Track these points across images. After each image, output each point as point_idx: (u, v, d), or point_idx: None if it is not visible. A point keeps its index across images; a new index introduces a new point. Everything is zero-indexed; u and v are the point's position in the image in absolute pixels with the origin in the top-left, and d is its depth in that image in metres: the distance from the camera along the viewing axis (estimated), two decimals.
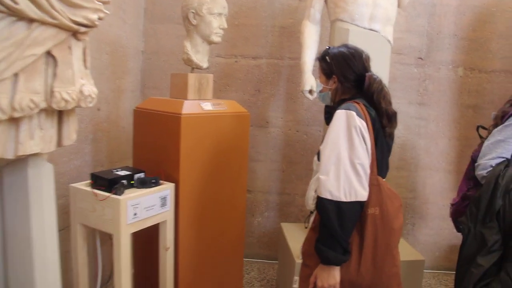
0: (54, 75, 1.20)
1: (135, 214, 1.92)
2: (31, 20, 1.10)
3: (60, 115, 1.32)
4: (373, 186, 1.58)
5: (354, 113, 1.54)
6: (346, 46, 1.76)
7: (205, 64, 2.48)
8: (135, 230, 1.96)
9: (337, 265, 1.56)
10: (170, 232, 2.17)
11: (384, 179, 1.68)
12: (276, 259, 3.31)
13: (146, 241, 2.32)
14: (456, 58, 3.28)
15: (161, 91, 3.36)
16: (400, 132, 3.29)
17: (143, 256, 2.42)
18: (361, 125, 1.53)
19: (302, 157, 3.43)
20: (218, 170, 2.41)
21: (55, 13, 1.11)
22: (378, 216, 1.58)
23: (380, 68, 1.83)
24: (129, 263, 1.96)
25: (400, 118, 1.80)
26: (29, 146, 1.22)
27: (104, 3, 1.30)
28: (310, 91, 2.63)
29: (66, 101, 1.21)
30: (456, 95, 3.31)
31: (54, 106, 1.20)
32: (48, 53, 1.19)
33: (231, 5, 2.52)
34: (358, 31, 2.54)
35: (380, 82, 1.68)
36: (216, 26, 2.38)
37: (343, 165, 1.50)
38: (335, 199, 1.49)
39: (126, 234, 1.90)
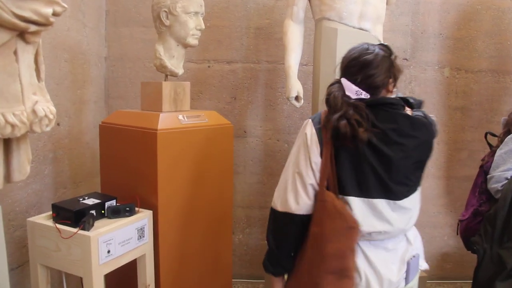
0: None
1: (108, 251, 1.65)
2: None
3: (8, 142, 1.01)
4: (319, 202, 1.42)
5: (310, 121, 1.47)
6: (358, 47, 1.51)
7: (180, 71, 2.23)
8: (109, 271, 1.69)
9: (274, 275, 1.54)
10: (150, 267, 1.92)
11: (392, 201, 1.42)
12: (260, 277, 3.10)
13: (121, 278, 2.05)
14: (442, 58, 3.15)
15: (128, 101, 3.09)
16: None
17: None
18: (310, 133, 1.43)
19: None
20: (201, 191, 2.18)
21: None
22: (318, 236, 1.42)
23: None
24: None
25: None
26: None
27: None
28: (297, 98, 2.40)
29: (13, 126, 0.89)
30: (443, 96, 3.17)
31: None
32: None
33: None
34: (347, 31, 2.32)
35: (337, 100, 1.38)
36: (193, 26, 2.13)
37: (285, 174, 1.48)
38: (273, 207, 1.49)
39: (99, 276, 1.63)
